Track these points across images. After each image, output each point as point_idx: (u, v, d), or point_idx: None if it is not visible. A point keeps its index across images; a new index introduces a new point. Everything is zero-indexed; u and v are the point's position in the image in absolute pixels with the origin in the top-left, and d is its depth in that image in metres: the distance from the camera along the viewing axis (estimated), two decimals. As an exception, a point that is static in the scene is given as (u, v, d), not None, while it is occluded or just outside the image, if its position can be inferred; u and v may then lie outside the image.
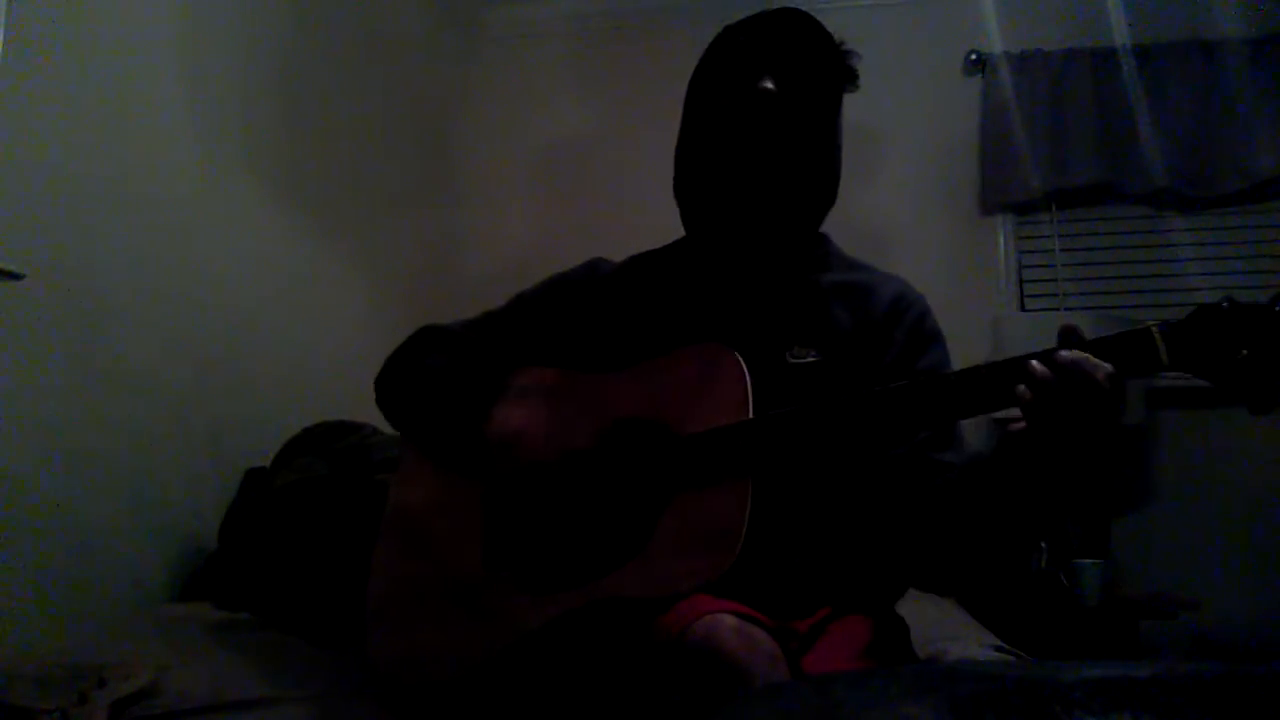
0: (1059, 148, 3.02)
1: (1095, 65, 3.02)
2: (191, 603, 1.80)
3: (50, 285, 1.62)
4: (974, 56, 3.15)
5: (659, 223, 1.43)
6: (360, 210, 2.74)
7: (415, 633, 1.17)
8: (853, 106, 1.27)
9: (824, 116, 1.21)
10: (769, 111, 1.16)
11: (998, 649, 1.57)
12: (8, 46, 1.51)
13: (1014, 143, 3.03)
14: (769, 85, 1.15)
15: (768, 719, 0.56)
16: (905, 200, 3.13)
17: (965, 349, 1.29)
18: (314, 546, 1.70)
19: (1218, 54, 2.95)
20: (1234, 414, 0.94)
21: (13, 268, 1.51)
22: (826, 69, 1.20)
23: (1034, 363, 0.93)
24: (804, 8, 1.21)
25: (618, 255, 1.40)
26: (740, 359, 1.09)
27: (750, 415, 1.06)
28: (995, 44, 3.13)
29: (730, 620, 0.88)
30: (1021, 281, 3.13)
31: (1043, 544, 2.57)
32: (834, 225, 1.31)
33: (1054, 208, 3.09)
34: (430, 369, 1.30)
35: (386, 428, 2.00)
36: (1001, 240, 3.13)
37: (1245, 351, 0.89)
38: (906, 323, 1.21)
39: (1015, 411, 0.96)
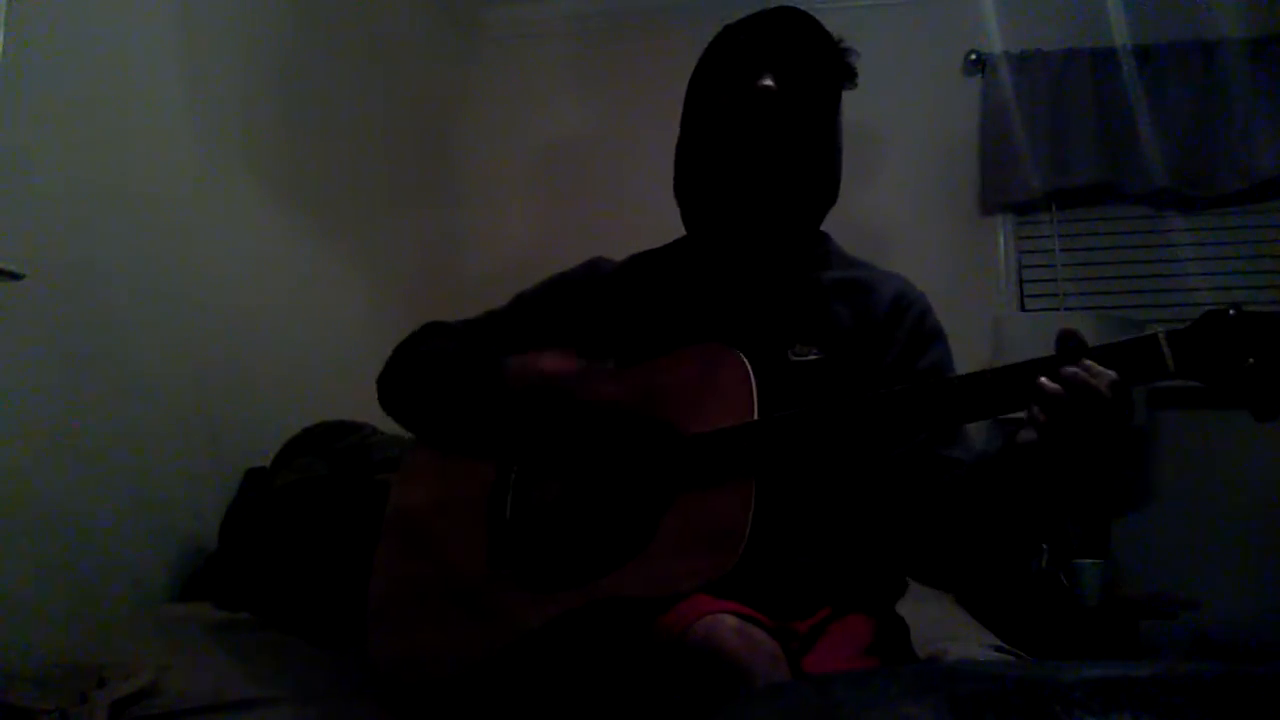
0: (1059, 148, 3.02)
1: (1095, 65, 3.02)
2: (191, 603, 1.80)
3: (50, 285, 1.62)
4: (974, 56, 3.15)
5: (659, 222, 1.43)
6: (360, 210, 2.74)
7: (416, 632, 1.17)
8: (853, 106, 1.27)
9: (823, 114, 1.21)
10: (768, 109, 1.16)
11: (998, 649, 1.57)
12: (8, 46, 1.51)
13: (1014, 143, 3.03)
14: (768, 83, 1.16)
15: (768, 719, 0.56)
16: (905, 200, 3.13)
17: (965, 349, 1.29)
18: (314, 546, 1.70)
19: (1218, 54, 2.95)
20: (1234, 415, 0.94)
21: (13, 268, 1.51)
22: (825, 67, 1.20)
23: (1044, 380, 0.93)
24: (803, 7, 1.21)
25: (618, 255, 1.40)
26: (744, 359, 1.10)
27: (755, 416, 1.06)
28: (995, 44, 3.13)
29: (731, 620, 0.88)
30: (1021, 281, 3.13)
31: (1043, 544, 2.57)
32: (834, 225, 1.32)
33: (1054, 208, 3.09)
34: (441, 351, 1.31)
35: (387, 428, 2.01)
36: (1001, 240, 3.13)
37: (1252, 360, 0.89)
38: (908, 321, 1.21)
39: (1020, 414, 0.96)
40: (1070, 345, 0.95)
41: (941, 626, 1.66)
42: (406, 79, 3.06)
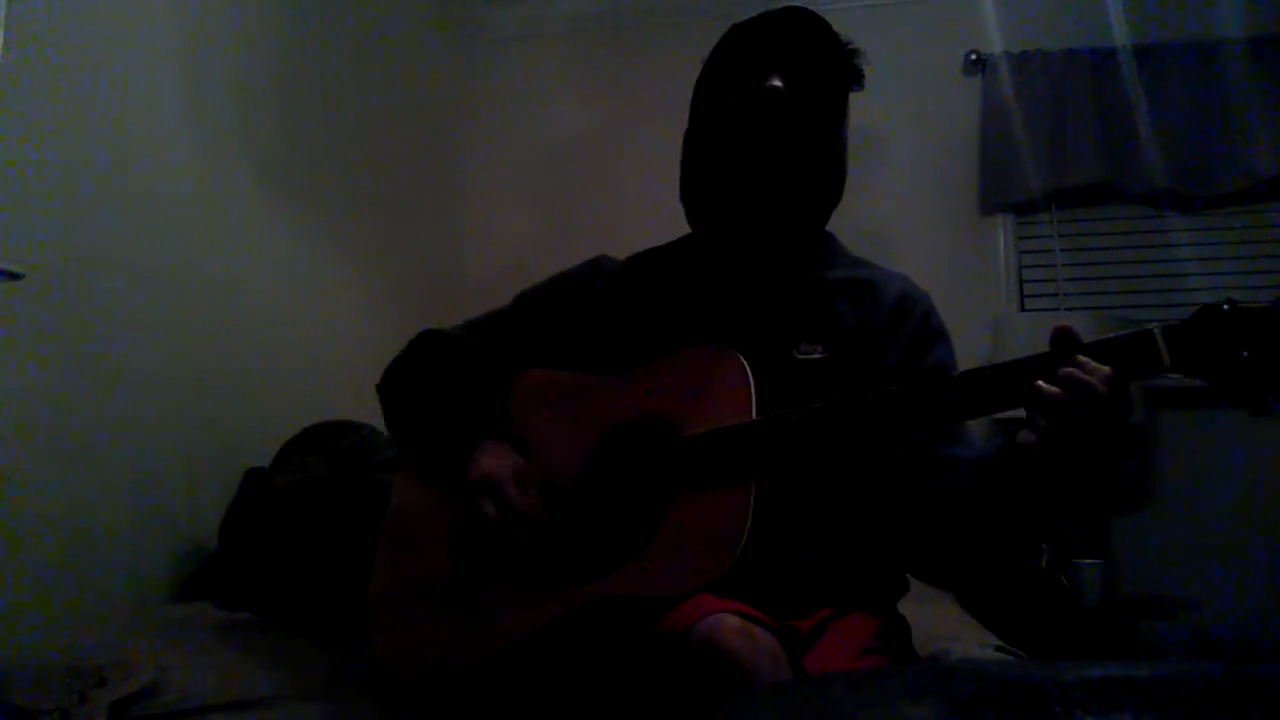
0: (1059, 148, 3.01)
1: (1095, 65, 3.02)
2: (192, 602, 1.80)
3: (50, 285, 1.62)
4: (974, 56, 3.15)
5: (659, 222, 1.43)
6: (360, 210, 2.74)
7: (416, 631, 1.17)
8: (852, 106, 1.27)
9: (831, 115, 1.21)
10: (776, 111, 1.16)
11: (998, 649, 1.57)
12: (8, 46, 1.51)
13: (1014, 143, 3.03)
14: (776, 84, 1.15)
15: (769, 718, 0.56)
16: (905, 200, 3.13)
17: (966, 349, 1.29)
18: (314, 546, 1.70)
19: (1218, 54, 2.94)
20: (1234, 414, 0.94)
21: (13, 268, 1.51)
22: (833, 68, 1.20)
23: (1041, 384, 0.93)
24: (802, 4, 1.21)
25: (618, 255, 1.40)
26: (743, 360, 1.10)
27: (753, 416, 1.06)
28: (995, 44, 3.12)
29: (733, 620, 0.88)
30: (1021, 281, 3.13)
31: (1044, 544, 2.57)
32: (834, 224, 1.32)
33: (1054, 208, 3.09)
34: (424, 395, 1.30)
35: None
36: (1001, 240, 3.13)
37: (1246, 353, 0.89)
38: (912, 321, 1.21)
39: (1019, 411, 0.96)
40: (1065, 343, 0.95)
41: (942, 626, 1.66)
42: (406, 79, 3.06)
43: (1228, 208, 2.99)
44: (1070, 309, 3.04)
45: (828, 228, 1.31)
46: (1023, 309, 3.09)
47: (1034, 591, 2.52)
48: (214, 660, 1.36)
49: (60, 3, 1.68)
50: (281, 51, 2.37)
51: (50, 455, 1.64)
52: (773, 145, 1.17)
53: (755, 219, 1.21)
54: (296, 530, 1.75)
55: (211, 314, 2.07)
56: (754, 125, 1.17)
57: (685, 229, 1.34)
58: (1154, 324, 0.94)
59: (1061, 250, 3.10)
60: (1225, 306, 0.91)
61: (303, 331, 2.43)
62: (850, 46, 1.21)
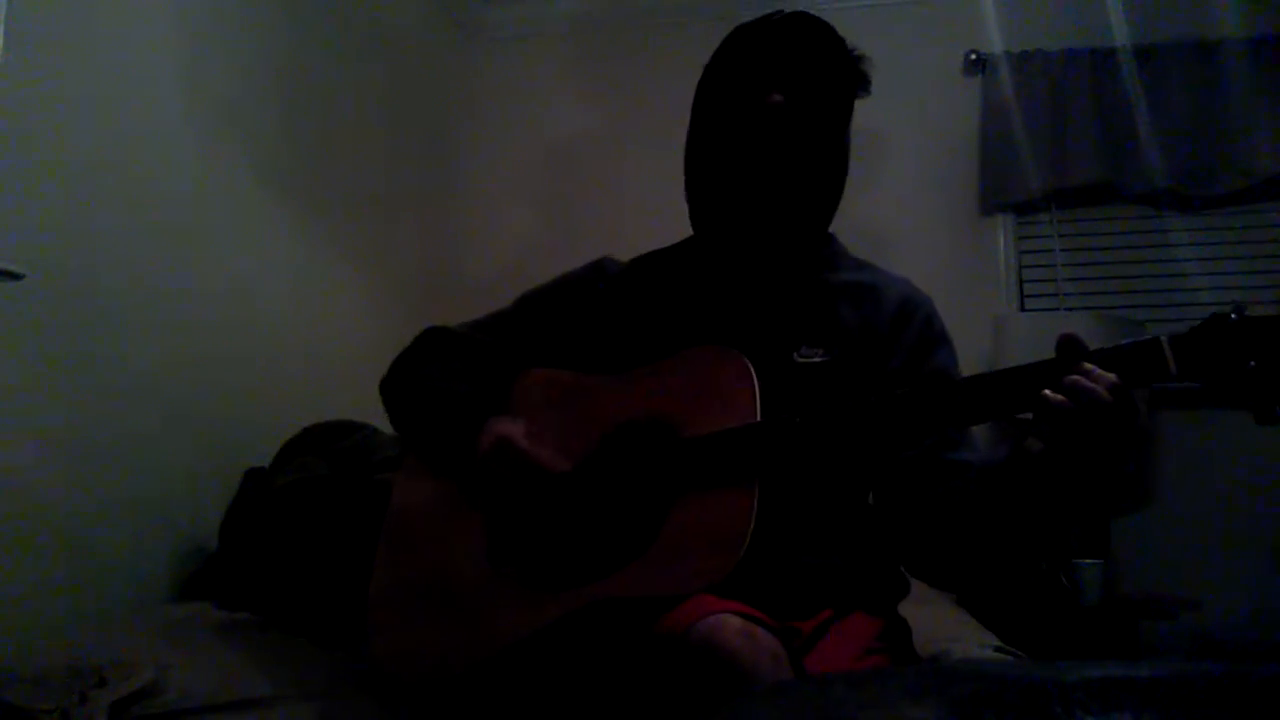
0: (1059, 148, 3.01)
1: (1095, 65, 3.02)
2: (191, 602, 1.80)
3: (50, 285, 1.62)
4: (974, 56, 3.15)
5: (659, 222, 1.43)
6: (361, 210, 2.74)
7: (417, 631, 1.17)
8: (854, 108, 1.26)
9: (836, 123, 1.21)
10: (783, 125, 1.16)
11: (998, 649, 1.57)
12: (8, 46, 1.51)
13: (1014, 143, 3.03)
14: (782, 98, 1.15)
15: (769, 718, 0.56)
16: (905, 200, 3.13)
17: (966, 349, 1.29)
18: (314, 546, 1.70)
19: (1218, 54, 2.95)
20: (1234, 415, 0.95)
21: (13, 268, 1.51)
22: (840, 76, 1.20)
23: (1047, 392, 0.93)
24: (806, 8, 1.20)
25: (618, 255, 1.40)
26: (747, 362, 1.09)
27: (757, 417, 1.06)
28: (995, 44, 3.12)
29: (734, 620, 0.88)
30: (1021, 281, 3.13)
31: (1052, 548, 2.57)
32: (834, 225, 1.31)
33: (1054, 208, 3.09)
34: (431, 386, 1.30)
35: (387, 428, 2.01)
36: (1001, 240, 3.13)
37: (1253, 363, 0.89)
38: (914, 325, 1.21)
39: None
40: (1071, 350, 0.95)
41: (943, 627, 1.66)
42: (407, 79, 3.06)
43: (1228, 208, 2.99)
44: (1070, 309, 3.04)
45: (829, 228, 1.31)
46: (1023, 309, 3.09)
47: (1034, 591, 2.52)
48: (214, 660, 1.36)
49: (60, 3, 1.68)
50: (281, 51, 2.37)
51: (50, 455, 1.64)
52: (779, 157, 1.17)
53: (760, 225, 1.21)
54: (296, 530, 1.75)
55: (211, 314, 2.07)
56: (761, 136, 1.17)
57: (686, 229, 1.34)
58: (1160, 330, 0.94)
59: (1061, 250, 3.10)
60: (1233, 315, 0.91)
61: (303, 331, 2.43)
62: (856, 53, 1.21)
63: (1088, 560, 2.56)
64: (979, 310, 2.92)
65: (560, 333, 1.32)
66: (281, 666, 1.35)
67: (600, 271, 1.36)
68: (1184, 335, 0.92)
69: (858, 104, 1.27)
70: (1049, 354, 0.97)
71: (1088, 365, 0.93)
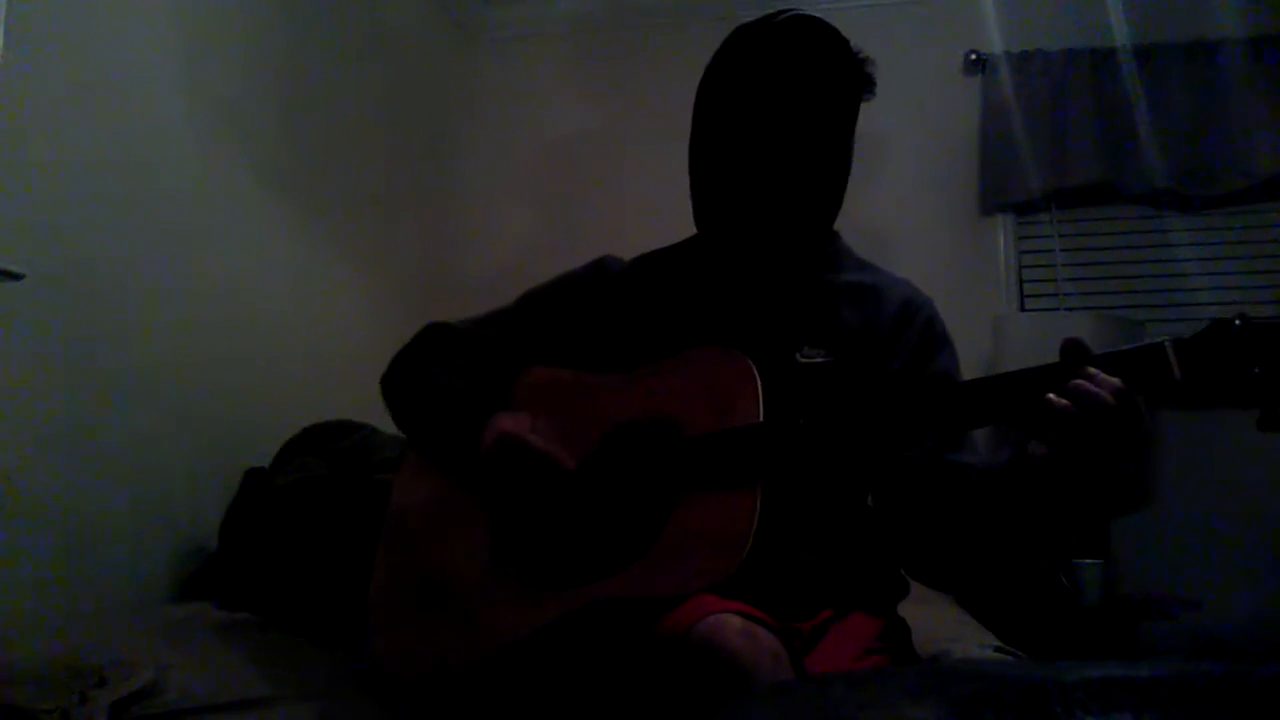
0: (1059, 148, 3.01)
1: (1095, 65, 3.02)
2: (191, 602, 1.80)
3: (50, 285, 1.62)
4: (974, 56, 3.15)
5: (659, 222, 1.43)
6: (360, 210, 2.74)
7: (418, 630, 1.17)
8: (854, 108, 1.26)
9: (841, 127, 1.21)
10: (787, 129, 1.16)
11: (998, 649, 1.57)
12: (8, 46, 1.51)
13: (1014, 143, 3.03)
14: (789, 104, 1.15)
15: (770, 718, 0.56)
16: (905, 200, 3.13)
17: (966, 349, 1.29)
18: (314, 546, 1.70)
19: (1218, 54, 2.95)
20: (1234, 415, 0.95)
21: (13, 268, 1.51)
22: (846, 80, 1.20)
23: (1051, 396, 0.93)
24: (806, 9, 1.20)
25: (618, 255, 1.40)
26: (751, 363, 1.09)
27: (761, 418, 1.06)
28: (995, 44, 3.12)
29: (735, 620, 0.88)
30: (1021, 281, 3.13)
31: (1054, 551, 2.57)
32: (834, 225, 1.31)
33: (1054, 208, 3.09)
34: (432, 382, 1.30)
35: (387, 428, 2.01)
36: (1001, 240, 3.13)
37: (1257, 369, 0.89)
38: (916, 326, 1.21)
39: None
40: (1075, 354, 0.95)
41: (943, 627, 1.66)
42: (406, 79, 3.06)
43: (1228, 208, 2.99)
44: (1070, 309, 3.04)
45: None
46: (1023, 309, 3.09)
47: (1034, 591, 2.52)
48: (214, 660, 1.36)
49: (60, 3, 1.68)
50: (282, 51, 2.37)
51: (50, 455, 1.64)
52: (784, 160, 1.17)
53: (763, 226, 1.21)
54: (296, 530, 1.75)
55: (211, 314, 2.07)
56: (765, 140, 1.17)
57: (686, 229, 1.34)
58: (1160, 330, 0.94)
59: (1061, 250, 3.10)
60: (1237, 321, 0.91)
61: (303, 331, 2.43)
62: (861, 55, 1.21)
63: (1088, 560, 2.56)
64: (979, 310, 2.91)
65: (562, 331, 1.32)
66: (281, 666, 1.35)
67: (602, 270, 1.36)
68: (1188, 340, 0.92)
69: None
70: (1049, 354, 0.97)
71: (1092, 370, 0.93)
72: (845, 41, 1.19)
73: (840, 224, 1.30)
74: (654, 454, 1.11)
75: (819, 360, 1.16)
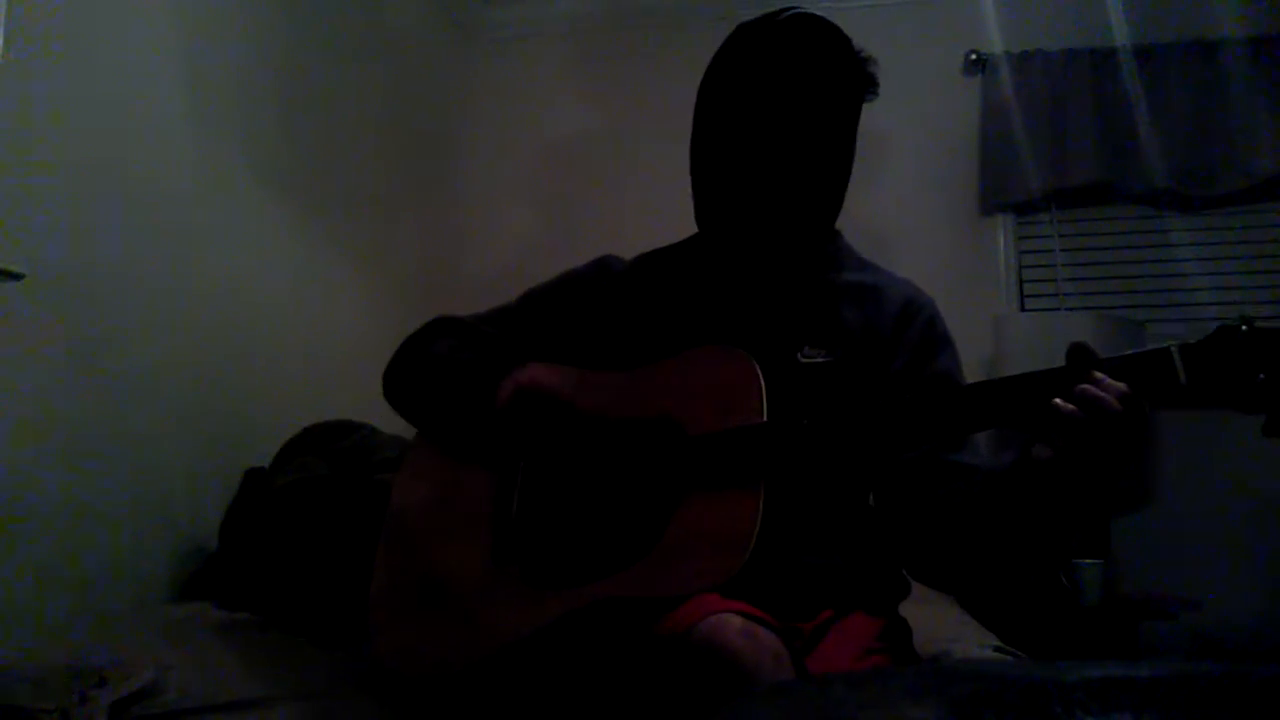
0: (1059, 148, 3.01)
1: (1095, 65, 3.02)
2: (191, 602, 1.80)
3: (50, 285, 1.62)
4: (974, 56, 3.15)
5: (659, 222, 1.43)
6: (360, 210, 2.74)
7: (419, 628, 1.17)
8: (854, 107, 1.26)
9: (843, 127, 1.21)
10: (789, 129, 1.16)
11: (998, 649, 1.57)
12: (8, 46, 1.51)
13: (1014, 143, 3.03)
14: (791, 104, 1.15)
15: (770, 718, 0.56)
16: (905, 200, 3.13)
17: (966, 349, 1.29)
18: (314, 546, 1.70)
19: (1218, 54, 2.95)
20: (1234, 415, 0.94)
21: (13, 268, 1.51)
22: (849, 80, 1.19)
23: (1058, 401, 0.93)
24: (808, 8, 1.20)
25: (618, 255, 1.40)
26: (754, 362, 1.09)
27: (764, 418, 1.06)
28: (995, 44, 3.13)
29: (736, 620, 0.88)
30: (1021, 281, 3.13)
31: (1056, 554, 2.56)
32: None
33: (1054, 208, 3.09)
34: (441, 354, 1.30)
35: (387, 427, 2.01)
36: (1001, 240, 3.13)
37: (1263, 375, 0.89)
38: (917, 326, 1.21)
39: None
40: (1081, 358, 0.94)
41: (943, 627, 1.66)
42: (406, 79, 3.06)
43: (1228, 208, 2.99)
44: (1070, 309, 3.04)
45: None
46: (1023, 309, 3.09)
47: (1034, 591, 2.52)
48: (214, 660, 1.36)
49: (60, 2, 1.68)
50: (281, 51, 2.37)
51: (50, 455, 1.64)
52: (785, 160, 1.17)
53: (765, 226, 1.21)
54: (296, 530, 1.75)
55: (211, 314, 2.07)
56: (767, 140, 1.17)
57: (686, 228, 1.34)
58: (1159, 330, 0.94)
59: (1061, 250, 3.10)
60: (1243, 327, 0.91)
61: (303, 331, 2.43)
62: (863, 55, 1.20)
63: (1088, 560, 2.56)
64: (979, 310, 2.91)
65: (565, 329, 1.32)
66: (281, 666, 1.35)
67: (604, 269, 1.36)
68: (1194, 345, 0.92)
69: (859, 105, 1.27)
70: (1049, 354, 0.97)
71: (1097, 374, 0.93)
72: (848, 40, 1.19)
73: (841, 224, 1.30)
74: (657, 453, 1.11)
75: (820, 360, 1.16)
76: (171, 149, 1.98)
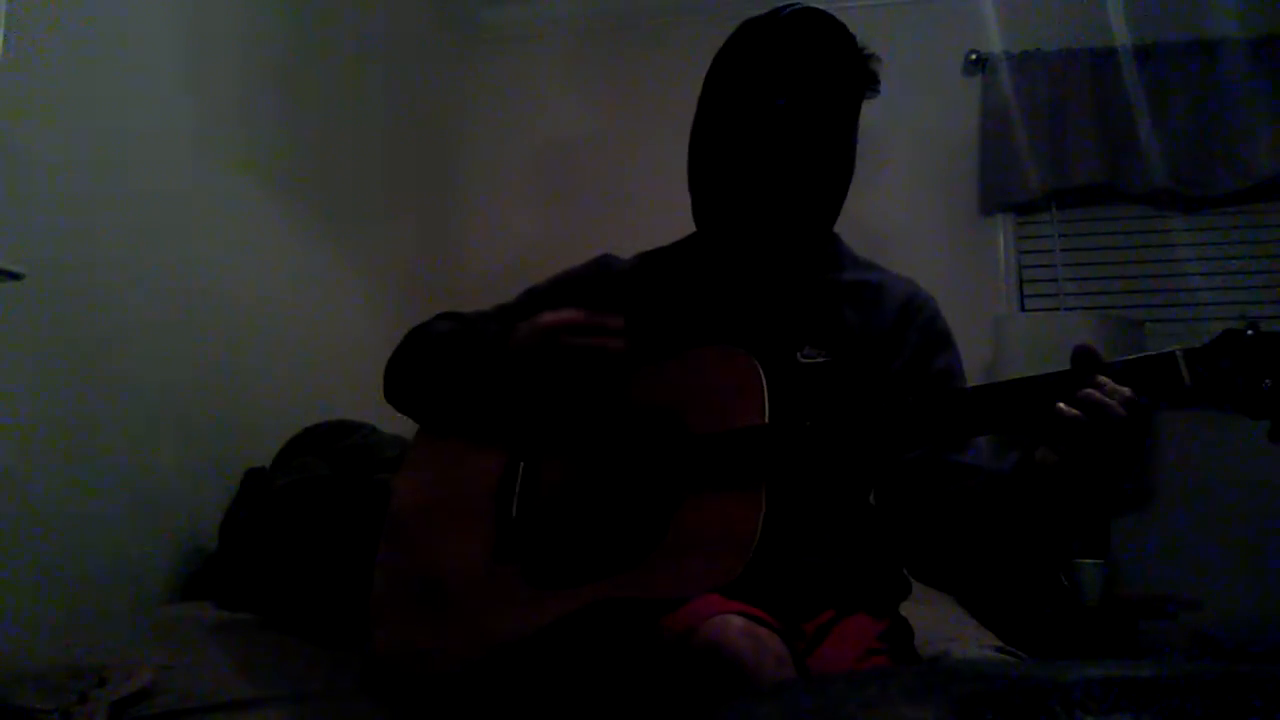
0: (1059, 148, 3.02)
1: (1095, 65, 3.02)
2: (191, 603, 1.80)
3: (50, 285, 1.62)
4: (974, 56, 3.15)
5: (659, 221, 1.43)
6: (360, 210, 2.74)
7: (420, 627, 1.17)
8: (855, 106, 1.26)
9: (844, 125, 1.21)
10: (790, 126, 1.16)
11: (998, 649, 1.57)
12: (8, 46, 1.51)
13: (1014, 143, 3.03)
14: (793, 101, 1.15)
15: (770, 718, 0.56)
16: (905, 200, 3.13)
17: (966, 349, 1.29)
18: (315, 546, 1.70)
19: (1218, 54, 2.95)
20: (1234, 416, 0.94)
21: (13, 268, 1.51)
22: (851, 76, 1.19)
23: (1061, 405, 0.93)
24: (812, 5, 1.19)
25: (619, 254, 1.40)
26: (756, 362, 1.09)
27: (766, 419, 1.06)
28: (995, 44, 3.13)
29: (738, 621, 0.88)
30: (1021, 281, 3.13)
31: (1057, 554, 2.56)
32: (835, 224, 1.31)
33: (1054, 208, 3.09)
34: (447, 328, 1.31)
35: (387, 428, 2.01)
36: (1001, 240, 3.13)
37: (1269, 382, 0.89)
38: (917, 325, 1.21)
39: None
40: (1086, 362, 0.94)
41: (943, 627, 1.66)
42: (406, 79, 3.06)
43: (1228, 208, 2.99)
44: (1070, 309, 3.03)
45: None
46: (1023, 309, 3.09)
47: (1034, 591, 2.52)
48: (214, 661, 1.36)
49: (60, 3, 1.68)
50: (282, 51, 2.37)
51: (50, 455, 1.64)
52: (786, 157, 1.17)
53: (765, 224, 1.21)
54: (296, 530, 1.75)
55: (211, 314, 2.07)
56: (768, 136, 1.17)
57: (685, 227, 1.34)
58: (1157, 328, 0.94)
59: (1061, 250, 3.10)
60: (1248, 331, 0.91)
61: (302, 331, 2.43)
62: (866, 51, 1.20)
63: (1088, 560, 2.56)
64: (979, 310, 2.92)
65: None
66: (281, 666, 1.35)
67: (603, 269, 1.36)
68: (1199, 350, 0.92)
69: (859, 103, 1.27)
70: (1049, 354, 0.97)
71: (1102, 379, 0.92)
72: (852, 36, 1.19)
73: (840, 224, 1.30)
74: (659, 453, 1.11)
75: (820, 360, 1.16)
76: (171, 149, 1.98)
